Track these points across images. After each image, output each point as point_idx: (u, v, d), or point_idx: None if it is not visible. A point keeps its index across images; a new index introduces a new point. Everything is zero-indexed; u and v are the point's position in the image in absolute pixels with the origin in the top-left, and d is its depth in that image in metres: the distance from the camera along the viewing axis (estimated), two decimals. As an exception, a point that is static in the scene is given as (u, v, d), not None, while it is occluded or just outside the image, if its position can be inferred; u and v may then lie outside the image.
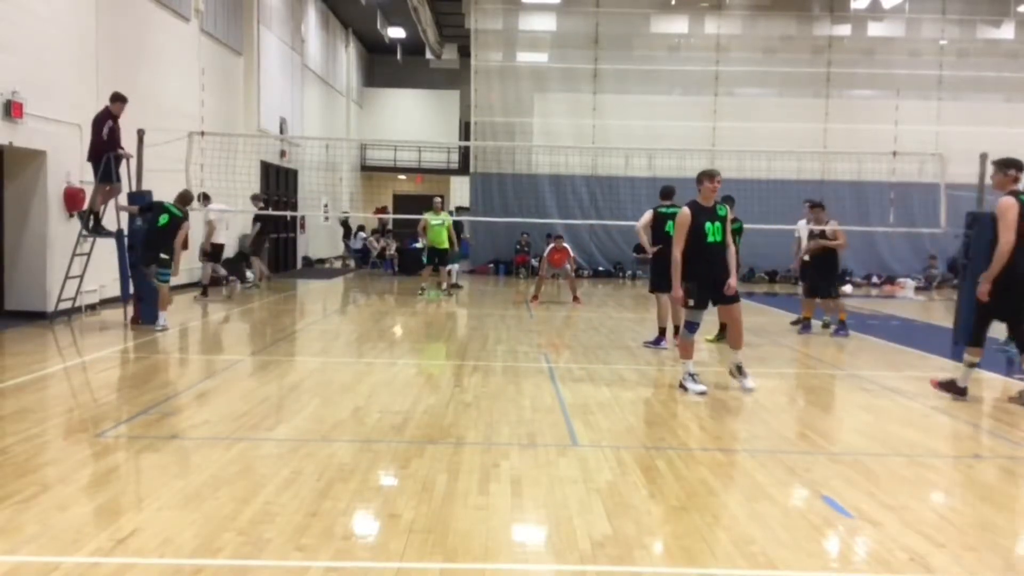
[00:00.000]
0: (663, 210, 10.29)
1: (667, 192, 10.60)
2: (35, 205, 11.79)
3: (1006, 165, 7.43)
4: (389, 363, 9.35)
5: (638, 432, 6.35)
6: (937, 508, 4.81)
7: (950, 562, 3.98)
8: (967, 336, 7.65)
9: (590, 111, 24.28)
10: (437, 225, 16.43)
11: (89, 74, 12.75)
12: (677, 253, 7.59)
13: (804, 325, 12.29)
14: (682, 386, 7.79)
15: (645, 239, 10.77)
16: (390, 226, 26.41)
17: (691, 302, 7.67)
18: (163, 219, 11.08)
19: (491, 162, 24.53)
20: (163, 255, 11.10)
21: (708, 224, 7.56)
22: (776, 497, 4.89)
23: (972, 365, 7.53)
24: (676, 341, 10.44)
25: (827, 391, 8.48)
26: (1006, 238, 7.09)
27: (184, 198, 11.45)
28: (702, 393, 7.57)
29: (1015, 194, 7.26)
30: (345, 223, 28.08)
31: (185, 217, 11.32)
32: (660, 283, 10.01)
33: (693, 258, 7.58)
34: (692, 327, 7.78)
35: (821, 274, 11.82)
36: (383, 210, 28.80)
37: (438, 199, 17.65)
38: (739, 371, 7.92)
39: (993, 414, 7.52)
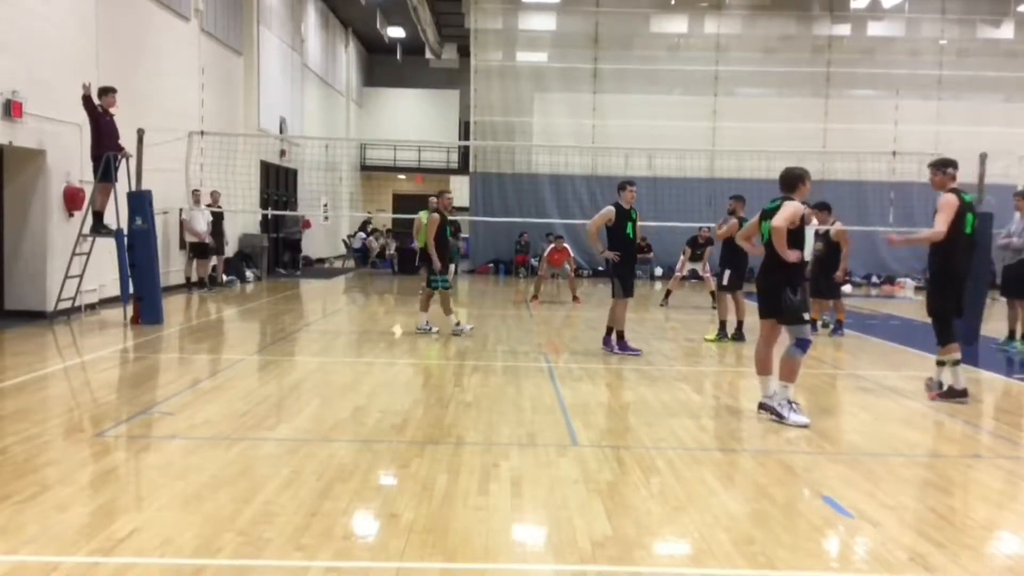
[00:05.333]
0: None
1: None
2: (35, 205, 11.79)
3: (944, 165, 7.54)
4: (389, 363, 9.35)
5: (638, 432, 6.34)
6: (937, 508, 4.80)
7: (950, 562, 3.98)
8: (939, 338, 7.59)
9: (590, 111, 24.27)
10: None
11: (89, 74, 12.70)
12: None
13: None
14: (776, 412, 6.61)
15: (601, 241, 10.19)
16: (388, 226, 26.35)
17: (806, 316, 6.58)
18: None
19: (491, 162, 24.53)
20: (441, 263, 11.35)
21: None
22: (776, 497, 4.89)
23: (956, 363, 7.46)
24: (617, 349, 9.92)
25: (827, 391, 8.47)
26: (942, 228, 7.24)
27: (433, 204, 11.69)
28: (804, 426, 6.45)
29: (956, 192, 7.38)
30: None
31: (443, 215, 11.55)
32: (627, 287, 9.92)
33: (796, 265, 6.50)
34: (805, 345, 6.61)
35: (826, 275, 11.82)
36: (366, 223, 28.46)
37: (433, 198, 17.52)
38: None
39: (993, 414, 7.53)
